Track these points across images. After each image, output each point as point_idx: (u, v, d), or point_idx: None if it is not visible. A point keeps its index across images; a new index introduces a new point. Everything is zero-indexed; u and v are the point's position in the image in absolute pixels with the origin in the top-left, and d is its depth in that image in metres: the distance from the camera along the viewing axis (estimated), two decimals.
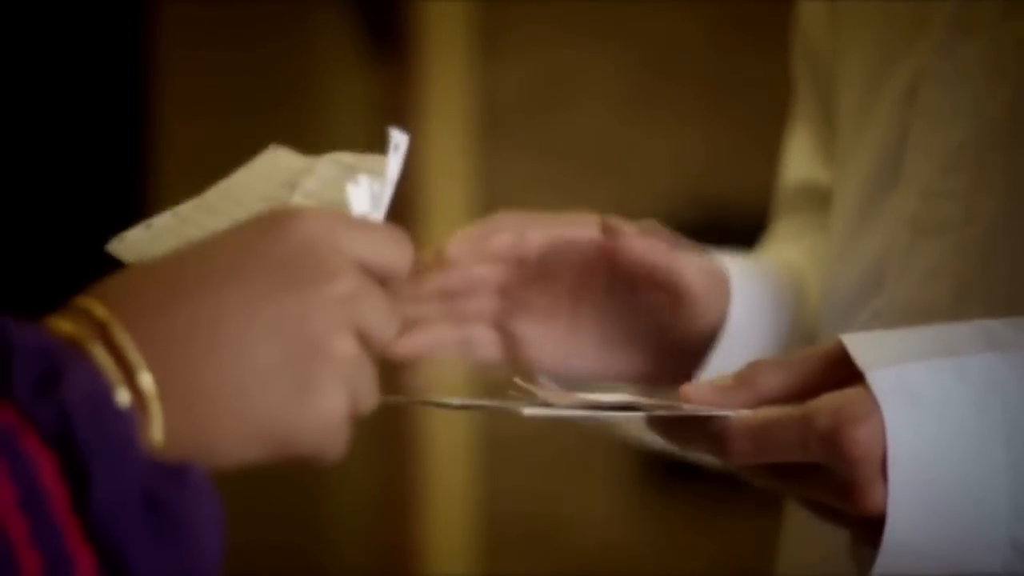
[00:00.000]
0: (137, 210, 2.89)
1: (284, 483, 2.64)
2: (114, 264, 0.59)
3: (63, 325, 0.47)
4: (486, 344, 0.78)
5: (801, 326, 0.82)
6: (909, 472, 0.57)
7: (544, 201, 2.87)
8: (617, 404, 0.63)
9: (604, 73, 2.79)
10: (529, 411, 0.61)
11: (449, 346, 0.77)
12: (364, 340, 0.51)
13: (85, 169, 2.81)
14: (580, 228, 0.76)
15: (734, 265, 0.79)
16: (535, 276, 0.77)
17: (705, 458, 0.89)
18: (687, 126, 2.80)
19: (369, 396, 0.51)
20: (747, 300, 0.78)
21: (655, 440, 0.86)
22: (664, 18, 2.79)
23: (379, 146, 0.56)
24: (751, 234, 0.98)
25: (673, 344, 0.78)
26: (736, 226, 0.84)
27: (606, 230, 0.73)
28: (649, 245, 0.73)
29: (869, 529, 0.59)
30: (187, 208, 0.59)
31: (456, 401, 0.68)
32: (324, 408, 0.49)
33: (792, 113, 0.94)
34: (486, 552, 2.79)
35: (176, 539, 0.45)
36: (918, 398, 0.58)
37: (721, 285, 0.77)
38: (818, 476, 0.59)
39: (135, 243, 0.57)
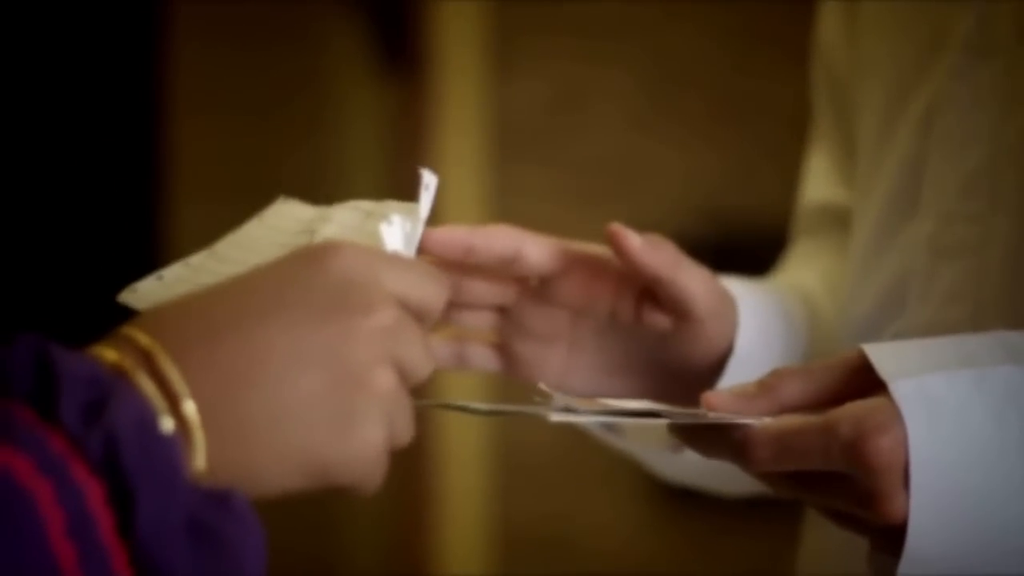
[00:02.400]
0: (149, 209, 2.90)
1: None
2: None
3: (107, 353, 0.48)
4: (483, 359, 0.77)
5: (811, 353, 0.81)
6: (930, 481, 0.58)
7: (557, 214, 2.89)
8: (641, 411, 0.64)
9: (618, 87, 2.80)
10: (556, 417, 0.62)
11: (445, 359, 0.77)
12: (401, 374, 0.52)
13: (98, 168, 2.82)
14: (579, 250, 0.75)
15: (742, 290, 0.78)
16: (533, 297, 0.76)
17: (711, 483, 0.89)
18: (701, 140, 2.80)
19: (406, 429, 0.52)
20: (755, 328, 0.77)
21: (665, 466, 0.86)
22: (677, 33, 2.79)
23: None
24: (764, 248, 0.98)
25: (675, 371, 0.77)
26: (748, 240, 0.84)
27: (611, 236, 0.72)
28: (655, 255, 0.72)
29: (889, 538, 0.60)
30: (198, 258, 0.60)
31: (482, 406, 0.70)
32: (364, 439, 0.50)
33: (811, 135, 0.95)
34: (500, 558, 2.80)
35: (220, 564, 0.46)
36: (938, 408, 0.58)
37: (728, 307, 0.76)
38: (839, 485, 0.60)
39: (147, 293, 0.58)
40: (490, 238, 0.72)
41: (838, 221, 0.89)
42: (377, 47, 3.13)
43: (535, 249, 0.73)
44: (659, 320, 0.75)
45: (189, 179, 2.94)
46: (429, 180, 0.58)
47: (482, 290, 0.75)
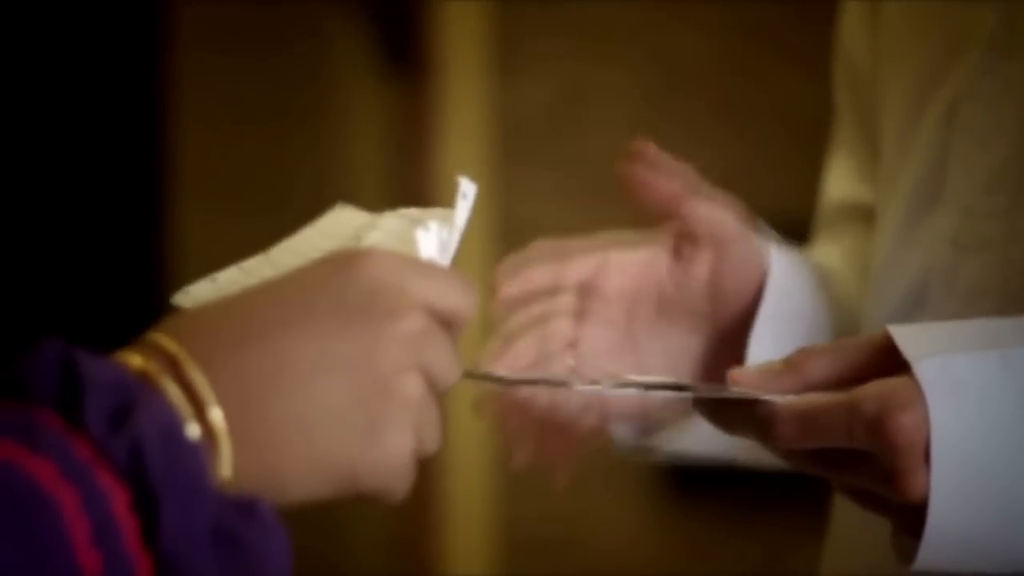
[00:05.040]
0: (154, 216, 2.90)
1: None
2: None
3: (134, 359, 0.47)
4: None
5: (835, 290, 0.83)
6: (952, 460, 0.58)
7: (562, 216, 2.87)
8: (665, 384, 0.65)
9: (622, 89, 2.79)
10: (580, 387, 0.64)
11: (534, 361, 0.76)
12: (429, 381, 0.51)
13: (103, 173, 2.82)
14: (615, 248, 0.76)
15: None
16: (588, 306, 0.76)
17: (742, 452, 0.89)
18: (704, 142, 2.80)
19: (434, 437, 0.52)
20: (783, 253, 0.78)
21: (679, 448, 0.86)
22: (681, 34, 2.79)
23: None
24: None
25: (731, 316, 0.77)
26: None
27: (629, 166, 0.74)
28: (674, 183, 0.74)
29: (911, 518, 0.60)
30: (253, 263, 0.59)
31: (507, 376, 0.70)
32: (392, 447, 0.50)
33: (828, 134, 0.95)
34: (504, 559, 2.80)
35: (244, 573, 0.45)
36: (963, 388, 0.58)
37: (750, 229, 0.77)
38: (862, 463, 0.60)
39: (200, 296, 0.58)
40: (537, 260, 0.74)
41: (860, 218, 0.90)
42: (380, 50, 3.13)
43: (576, 253, 0.75)
44: (701, 264, 0.76)
45: (193, 185, 2.94)
46: (467, 189, 0.57)
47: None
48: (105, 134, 2.82)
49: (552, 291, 0.75)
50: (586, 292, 0.76)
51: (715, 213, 0.75)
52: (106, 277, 2.74)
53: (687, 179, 0.75)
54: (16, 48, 2.66)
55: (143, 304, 2.64)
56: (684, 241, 0.76)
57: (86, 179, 2.80)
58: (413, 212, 0.58)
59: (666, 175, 0.74)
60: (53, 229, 2.73)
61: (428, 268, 0.53)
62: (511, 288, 0.72)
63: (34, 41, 2.71)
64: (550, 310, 0.75)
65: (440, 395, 0.52)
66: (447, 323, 0.53)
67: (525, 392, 0.73)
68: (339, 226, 0.60)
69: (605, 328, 0.76)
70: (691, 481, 2.69)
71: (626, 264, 0.76)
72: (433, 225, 0.56)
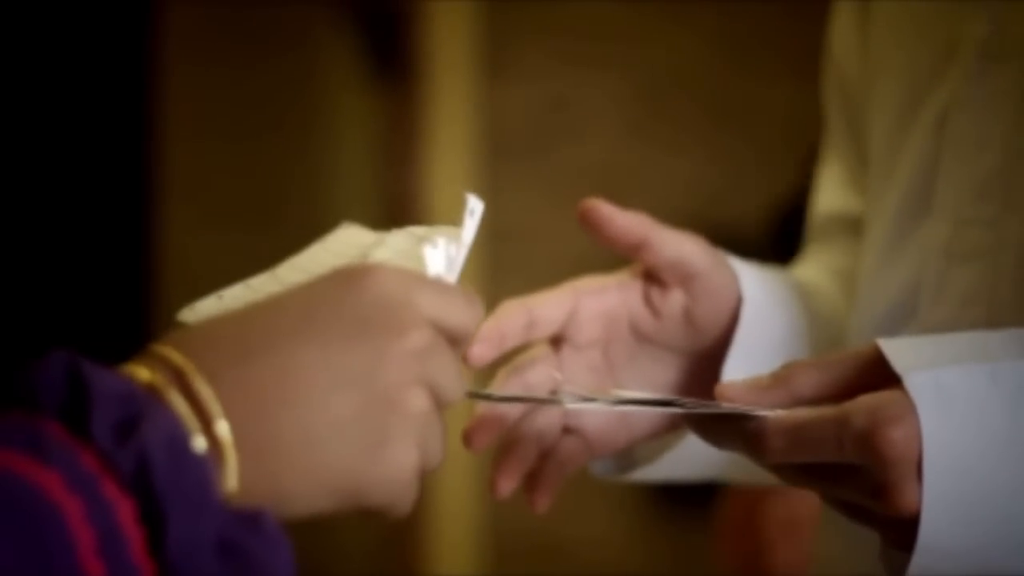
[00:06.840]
0: (140, 230, 2.89)
1: None
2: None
3: (140, 372, 0.47)
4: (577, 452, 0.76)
5: (817, 318, 0.82)
6: (944, 474, 0.58)
7: (551, 221, 2.86)
8: (655, 400, 0.65)
9: (611, 96, 2.80)
10: (571, 404, 0.64)
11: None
12: (434, 396, 0.52)
13: (89, 189, 2.81)
14: (575, 286, 0.75)
15: (729, 256, 0.79)
16: (563, 356, 0.75)
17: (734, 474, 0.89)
18: (694, 149, 2.81)
19: (438, 452, 0.52)
20: (753, 276, 0.77)
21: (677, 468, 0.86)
22: (672, 38, 2.80)
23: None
24: (759, 257, 0.99)
25: (708, 349, 0.76)
26: (744, 249, 0.84)
27: (586, 211, 0.72)
28: (634, 218, 0.73)
29: (901, 531, 0.60)
30: (259, 280, 0.60)
31: (497, 394, 0.70)
32: (396, 462, 0.50)
33: (824, 144, 0.95)
34: (491, 568, 2.80)
35: None
36: (953, 401, 0.58)
37: (721, 257, 0.76)
38: (852, 477, 0.60)
39: (206, 312, 0.58)
40: (507, 319, 0.72)
41: (850, 229, 0.89)
42: (368, 57, 3.13)
43: (544, 308, 0.73)
44: (673, 299, 0.75)
45: (181, 195, 2.93)
46: (475, 205, 0.58)
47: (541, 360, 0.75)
48: (92, 145, 2.82)
49: (525, 347, 0.74)
50: (559, 343, 0.75)
51: (681, 247, 0.74)
52: (95, 289, 2.73)
53: (649, 219, 0.74)
54: (1, 59, 2.65)
55: (132, 316, 2.63)
56: (653, 280, 0.75)
57: (73, 191, 2.79)
58: (420, 230, 0.59)
59: (628, 214, 0.73)
60: (40, 242, 2.72)
61: (434, 284, 0.54)
62: (484, 350, 0.71)
63: (19, 50, 2.70)
64: (526, 360, 0.74)
65: (444, 410, 0.52)
66: (453, 339, 0.53)
67: (512, 417, 0.73)
68: (346, 244, 0.60)
69: (583, 373, 0.75)
70: (678, 489, 2.69)
71: (596, 310, 0.75)
72: (441, 242, 0.56)
